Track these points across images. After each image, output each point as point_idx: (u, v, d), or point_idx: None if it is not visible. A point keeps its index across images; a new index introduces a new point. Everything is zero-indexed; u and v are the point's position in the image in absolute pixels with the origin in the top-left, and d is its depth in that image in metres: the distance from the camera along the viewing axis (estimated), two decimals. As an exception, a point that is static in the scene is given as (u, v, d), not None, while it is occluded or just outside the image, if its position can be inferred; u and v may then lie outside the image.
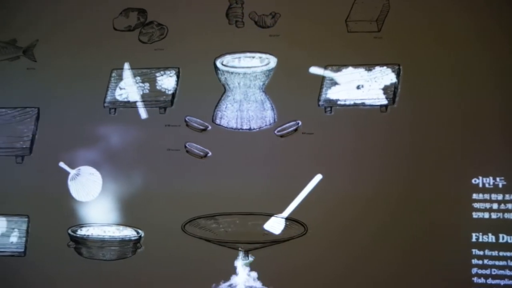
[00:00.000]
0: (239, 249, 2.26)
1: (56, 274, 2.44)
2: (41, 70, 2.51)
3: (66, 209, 2.43)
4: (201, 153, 2.32)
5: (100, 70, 2.43)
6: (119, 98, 2.41)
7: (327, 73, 2.23)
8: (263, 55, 2.29)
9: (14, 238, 2.48)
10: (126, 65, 2.41)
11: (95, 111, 2.43)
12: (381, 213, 2.16)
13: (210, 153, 2.32)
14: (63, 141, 2.46)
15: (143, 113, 2.37)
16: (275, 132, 2.26)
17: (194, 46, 2.35)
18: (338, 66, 2.22)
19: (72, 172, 2.45)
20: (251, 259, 2.24)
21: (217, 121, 2.31)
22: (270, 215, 2.25)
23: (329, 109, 2.23)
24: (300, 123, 2.24)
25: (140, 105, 2.36)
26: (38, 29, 2.53)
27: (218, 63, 2.31)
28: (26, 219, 2.47)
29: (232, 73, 2.29)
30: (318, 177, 2.22)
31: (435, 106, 2.15)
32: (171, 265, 2.33)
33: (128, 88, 2.39)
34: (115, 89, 2.42)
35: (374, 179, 2.17)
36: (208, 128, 2.32)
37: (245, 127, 2.28)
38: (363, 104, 2.20)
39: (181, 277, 2.31)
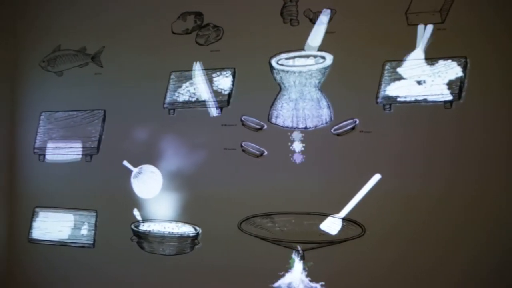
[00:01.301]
0: (295, 248, 2.25)
1: (120, 266, 2.58)
2: (107, 74, 2.66)
3: (130, 205, 2.56)
4: (257, 152, 2.34)
5: (159, 73, 2.52)
6: (183, 98, 2.48)
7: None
8: (319, 53, 2.25)
9: (84, 231, 2.66)
10: (197, 65, 2.47)
11: (155, 112, 2.52)
12: (447, 215, 2.05)
13: (266, 152, 2.33)
14: (126, 141, 2.59)
15: (213, 111, 2.41)
16: (332, 130, 2.22)
17: (249, 46, 2.37)
18: (398, 61, 2.13)
19: (135, 170, 2.57)
20: (309, 264, 2.24)
21: (273, 120, 2.31)
22: (327, 215, 2.21)
23: (388, 106, 2.14)
24: (357, 121, 2.18)
25: (210, 104, 2.41)
26: (104, 36, 2.68)
27: (273, 62, 2.31)
28: (95, 214, 2.64)
29: (287, 71, 2.28)
30: (377, 177, 2.15)
31: (505, 101, 2.00)
32: (227, 262, 2.37)
33: (199, 86, 2.46)
34: (174, 91, 2.51)
35: (438, 179, 2.06)
36: (264, 127, 2.33)
37: (301, 126, 2.26)
38: (425, 101, 2.09)
39: (236, 274, 2.35)
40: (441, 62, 2.07)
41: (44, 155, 2.76)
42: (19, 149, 2.83)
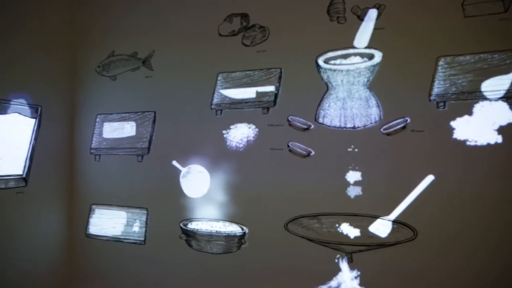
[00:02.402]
0: (343, 251, 2.20)
1: (169, 263, 2.65)
2: (157, 77, 2.75)
3: (179, 204, 2.63)
4: (304, 152, 2.32)
5: (207, 74, 2.57)
6: (230, 99, 2.51)
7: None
8: (367, 50, 2.19)
9: (136, 228, 2.77)
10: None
11: (203, 113, 2.57)
12: (508, 218, 1.92)
13: (313, 152, 2.30)
14: (175, 141, 2.66)
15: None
16: (381, 130, 2.15)
17: (295, 45, 2.35)
18: (453, 56, 2.02)
19: (183, 170, 2.63)
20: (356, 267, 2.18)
21: (320, 120, 2.28)
22: (376, 217, 2.15)
23: (442, 104, 2.04)
24: (408, 120, 2.10)
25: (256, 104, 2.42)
26: (154, 41, 2.77)
27: (320, 61, 2.27)
28: (145, 212, 2.74)
29: (334, 70, 2.24)
30: (430, 178, 2.05)
31: None
32: (273, 262, 2.36)
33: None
34: (221, 92, 2.55)
35: (498, 181, 1.93)
36: (311, 127, 2.30)
37: (349, 125, 2.21)
38: (483, 97, 1.98)
39: (282, 274, 2.34)
40: (502, 55, 1.94)
41: (99, 155, 2.91)
42: (77, 150, 3.00)
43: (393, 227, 2.11)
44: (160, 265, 2.68)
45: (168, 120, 2.70)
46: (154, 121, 2.73)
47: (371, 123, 2.17)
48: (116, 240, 2.82)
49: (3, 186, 2.48)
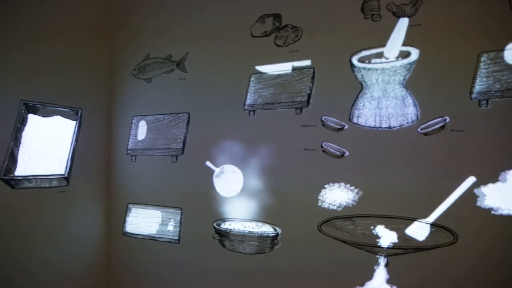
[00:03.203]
0: (378, 254, 2.15)
1: (203, 262, 2.69)
2: (190, 79, 2.80)
3: (212, 204, 2.66)
4: (338, 153, 2.29)
5: (239, 75, 2.59)
6: (263, 99, 2.50)
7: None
8: (403, 48, 2.13)
9: (170, 227, 2.83)
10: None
11: (236, 114, 2.59)
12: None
13: (347, 153, 2.26)
14: (209, 142, 2.69)
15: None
16: (419, 130, 2.08)
17: (328, 45, 2.32)
18: (497, 51, 1.93)
19: (217, 170, 2.66)
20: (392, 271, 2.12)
21: (354, 120, 2.24)
22: (413, 220, 2.08)
23: (484, 102, 1.95)
24: (447, 119, 2.02)
25: (289, 104, 2.39)
26: (187, 43, 2.82)
27: (354, 60, 2.24)
28: (180, 211, 2.79)
29: (369, 69, 2.19)
30: (471, 180, 1.96)
31: None
32: (306, 264, 2.34)
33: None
34: (254, 93, 2.55)
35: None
36: (345, 127, 2.27)
37: (384, 125, 2.16)
38: (529, 95, 1.87)
39: (315, 276, 2.31)
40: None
41: (135, 155, 2.99)
42: (115, 151, 3.10)
43: (431, 230, 2.03)
44: (193, 264, 2.72)
45: (201, 121, 2.73)
46: (188, 122, 2.78)
47: (407, 122, 2.11)
48: (151, 238, 2.89)
49: (47, 185, 2.60)
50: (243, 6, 2.62)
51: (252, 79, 2.55)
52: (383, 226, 2.14)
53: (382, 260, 2.14)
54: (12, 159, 2.38)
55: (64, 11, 2.72)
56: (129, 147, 3.02)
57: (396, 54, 2.13)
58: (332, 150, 2.29)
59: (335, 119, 2.29)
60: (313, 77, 2.36)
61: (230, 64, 2.63)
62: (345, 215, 2.23)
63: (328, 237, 2.26)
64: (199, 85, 2.76)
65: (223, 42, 2.67)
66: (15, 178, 2.40)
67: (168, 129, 2.85)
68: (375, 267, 2.16)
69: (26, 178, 2.47)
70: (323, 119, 2.32)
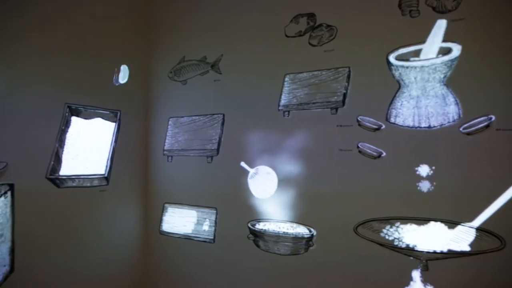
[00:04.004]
0: (417, 257, 2.08)
1: (238, 262, 2.70)
2: (225, 81, 2.83)
3: (247, 204, 2.67)
4: (375, 154, 2.23)
5: (274, 76, 2.58)
6: (298, 100, 2.50)
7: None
8: (444, 44, 2.04)
9: (206, 227, 2.86)
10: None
11: (270, 115, 2.59)
12: None
13: (384, 153, 2.20)
14: (243, 143, 2.71)
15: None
16: (461, 129, 2.00)
17: (364, 43, 2.28)
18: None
19: (251, 171, 2.67)
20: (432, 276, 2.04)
21: (392, 120, 2.18)
22: (456, 223, 2.00)
23: (533, 99, 1.85)
24: (493, 118, 1.92)
25: (324, 105, 2.37)
26: (222, 45, 2.85)
27: (391, 59, 2.17)
28: (215, 211, 2.83)
29: (407, 67, 2.12)
30: (519, 182, 1.87)
31: None
32: (342, 266, 2.30)
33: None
34: (288, 93, 2.54)
35: None
36: (382, 127, 2.21)
37: (423, 125, 2.08)
38: None
39: (351, 279, 2.27)
40: None
41: (171, 156, 3.06)
42: (151, 151, 3.18)
43: (476, 234, 1.94)
44: (228, 264, 2.75)
45: (236, 122, 2.75)
46: (223, 123, 2.80)
47: (448, 122, 2.03)
48: (187, 238, 2.94)
49: (88, 185, 2.71)
50: (276, 6, 2.61)
51: (286, 79, 2.54)
52: (422, 229, 2.06)
53: (421, 265, 2.07)
54: (57, 160, 2.50)
55: (106, 19, 2.82)
56: (165, 147, 3.09)
57: (434, 55, 2.05)
58: (369, 151, 2.24)
59: (371, 119, 2.24)
60: (348, 76, 2.32)
61: (264, 64, 2.64)
62: (383, 217, 2.18)
63: (365, 240, 2.21)
64: (234, 86, 2.78)
65: (257, 42, 2.68)
66: (59, 177, 2.51)
67: (203, 130, 2.89)
68: (414, 271, 2.09)
69: (70, 178, 2.58)
70: (359, 119, 2.28)
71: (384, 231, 2.17)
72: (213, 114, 2.86)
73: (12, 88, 2.23)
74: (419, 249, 2.06)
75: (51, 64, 2.44)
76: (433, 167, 2.06)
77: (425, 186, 2.07)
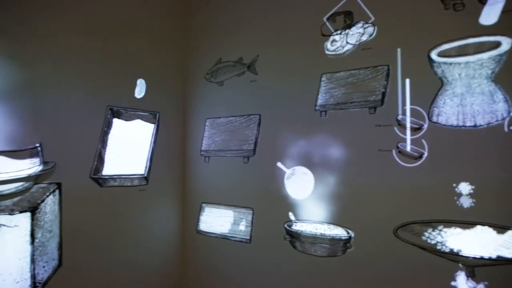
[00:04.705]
0: (462, 263, 1.98)
1: (274, 262, 2.70)
2: (261, 81, 2.84)
3: (283, 205, 2.66)
4: (416, 154, 2.15)
5: (310, 76, 2.56)
6: (335, 99, 2.46)
7: None
8: (492, 38, 1.94)
9: (242, 227, 2.88)
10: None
11: (307, 115, 2.56)
12: None
13: (426, 154, 2.12)
14: (280, 143, 2.70)
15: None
16: (511, 128, 1.89)
17: (404, 40, 2.21)
18: None
19: (288, 171, 2.66)
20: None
21: (434, 119, 2.09)
22: (506, 228, 1.89)
23: None
24: (546, 116, 1.81)
25: (362, 104, 2.30)
26: (258, 46, 2.86)
27: (433, 55, 2.09)
28: (251, 212, 2.84)
29: (450, 64, 2.03)
30: None
31: None
32: (381, 269, 2.24)
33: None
34: (325, 93, 2.50)
35: None
36: (423, 127, 2.13)
37: (468, 123, 1.99)
38: None
39: (390, 284, 2.20)
40: None
41: (209, 156, 3.10)
42: (189, 152, 3.24)
43: (527, 240, 1.83)
44: (264, 264, 2.75)
45: (272, 122, 2.75)
46: (259, 124, 2.81)
47: (496, 120, 1.92)
48: (223, 237, 2.97)
49: (129, 184, 2.80)
50: (312, 5, 2.58)
51: (323, 79, 2.51)
52: (468, 233, 1.97)
53: (466, 271, 1.97)
54: (100, 160, 2.60)
55: (145, 23, 2.91)
56: (202, 148, 3.14)
57: (495, 20, 1.93)
58: (410, 151, 2.16)
59: (412, 118, 2.16)
60: (387, 75, 2.26)
61: (300, 64, 2.62)
62: (425, 219, 2.10)
63: (405, 243, 2.14)
64: (270, 86, 2.78)
65: (293, 42, 2.66)
66: (102, 177, 2.61)
67: (240, 131, 2.91)
68: (457, 277, 2.00)
69: (112, 177, 2.68)
70: (399, 118, 2.21)
71: (426, 234, 2.08)
72: (250, 115, 2.87)
73: (58, 92, 2.35)
74: (464, 254, 1.97)
75: (94, 68, 2.55)
76: (479, 168, 1.96)
77: (469, 188, 1.98)
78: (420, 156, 2.13)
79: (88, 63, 2.51)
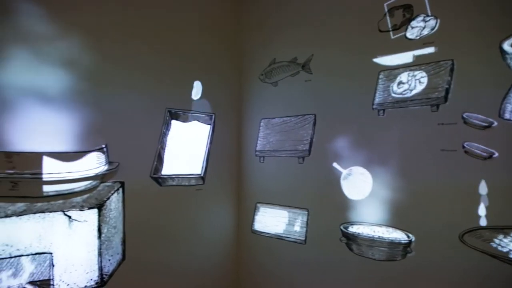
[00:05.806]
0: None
1: (330, 265, 2.65)
2: (316, 81, 2.80)
3: (339, 206, 2.60)
4: (484, 154, 2.00)
5: (367, 73, 2.48)
6: (394, 97, 2.36)
7: None
8: None
9: (297, 228, 2.86)
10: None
11: (364, 114, 2.49)
12: None
13: (496, 154, 1.97)
14: (335, 143, 2.65)
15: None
16: None
17: (470, 31, 2.06)
18: None
19: (344, 172, 2.60)
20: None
21: (506, 116, 1.93)
22: None
23: None
24: None
25: (423, 101, 2.15)
26: (312, 45, 2.82)
27: (506, 46, 1.93)
28: (306, 212, 2.81)
29: (525, 56, 1.87)
30: None
31: None
32: (444, 276, 2.11)
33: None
34: (383, 91, 2.42)
35: None
36: (494, 125, 1.98)
37: (547, 121, 1.82)
38: None
39: (457, 292, 2.08)
40: None
41: (263, 157, 3.12)
42: (244, 152, 3.29)
43: None
44: (319, 266, 2.71)
45: (328, 122, 2.71)
46: (314, 124, 2.78)
47: None
48: (278, 237, 2.97)
49: (186, 184, 2.90)
50: (368, 1, 2.50)
51: (381, 76, 2.42)
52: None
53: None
54: (159, 160, 2.72)
55: (201, 26, 3.00)
56: (257, 148, 3.16)
57: None
58: (477, 151, 2.02)
59: (480, 116, 2.01)
60: (451, 70, 2.12)
61: (356, 62, 2.54)
62: (496, 225, 1.94)
63: (473, 250, 2.00)
64: (325, 85, 2.73)
65: (349, 40, 2.59)
66: (162, 176, 2.73)
67: (295, 131, 2.89)
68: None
69: (170, 177, 2.79)
70: (465, 116, 2.07)
71: (497, 241, 1.93)
72: (304, 115, 2.84)
73: (121, 96, 2.49)
74: (542, 264, 1.80)
75: (153, 72, 2.68)
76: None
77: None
78: (490, 157, 1.98)
79: (148, 67, 2.64)
